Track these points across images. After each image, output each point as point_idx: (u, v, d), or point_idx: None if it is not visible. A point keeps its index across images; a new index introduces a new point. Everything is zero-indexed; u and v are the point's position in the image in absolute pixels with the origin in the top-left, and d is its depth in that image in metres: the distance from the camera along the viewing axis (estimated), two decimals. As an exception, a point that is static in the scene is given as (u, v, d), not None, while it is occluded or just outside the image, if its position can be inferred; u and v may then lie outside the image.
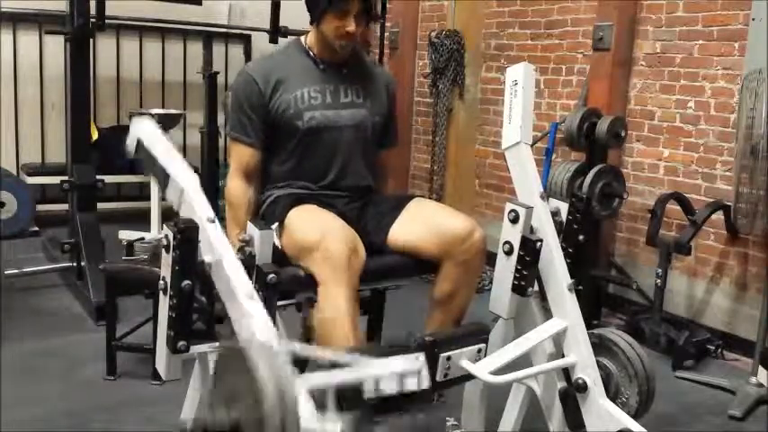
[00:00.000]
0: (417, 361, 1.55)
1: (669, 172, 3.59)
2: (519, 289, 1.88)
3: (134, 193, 5.18)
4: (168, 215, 1.71)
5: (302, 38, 2.23)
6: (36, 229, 4.51)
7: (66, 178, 3.61)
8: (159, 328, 1.60)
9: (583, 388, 1.83)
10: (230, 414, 1.21)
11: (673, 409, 2.70)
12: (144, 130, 1.74)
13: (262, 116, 2.12)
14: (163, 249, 1.55)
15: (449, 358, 1.67)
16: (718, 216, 3.24)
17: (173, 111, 4.75)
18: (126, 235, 4.12)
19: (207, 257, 1.55)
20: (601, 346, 1.92)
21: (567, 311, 1.86)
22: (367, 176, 2.23)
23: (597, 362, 1.86)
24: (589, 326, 1.90)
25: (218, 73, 4.34)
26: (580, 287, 1.89)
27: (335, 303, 1.79)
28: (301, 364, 1.80)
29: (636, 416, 1.84)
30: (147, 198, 4.29)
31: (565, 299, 1.86)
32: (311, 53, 2.17)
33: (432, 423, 1.75)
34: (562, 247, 1.90)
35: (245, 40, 5.39)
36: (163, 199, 4.03)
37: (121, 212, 4.90)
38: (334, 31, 2.07)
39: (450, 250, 2.00)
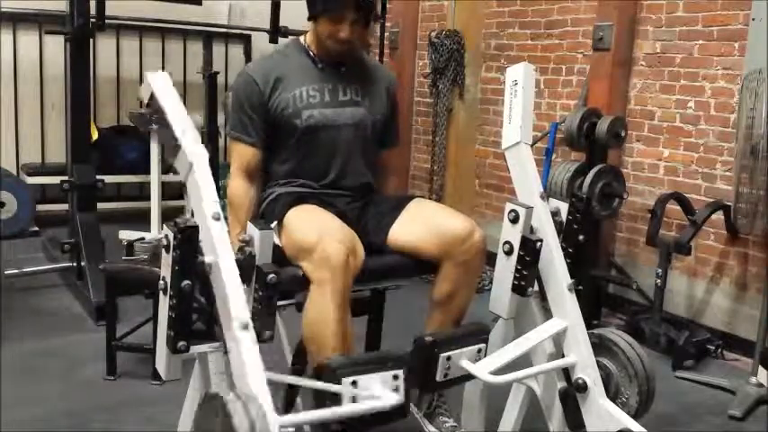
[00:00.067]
0: (395, 381, 1.55)
1: (669, 172, 3.59)
2: (519, 289, 1.88)
3: (134, 193, 5.18)
4: (168, 215, 1.71)
5: (302, 37, 2.23)
6: (36, 229, 4.53)
7: (66, 178, 3.62)
8: (159, 328, 1.60)
9: (583, 388, 1.83)
10: None
11: (673, 409, 2.70)
12: (160, 86, 1.65)
13: (262, 115, 2.12)
14: (163, 249, 1.54)
15: (449, 358, 1.67)
16: (718, 216, 3.24)
17: (173, 111, 4.73)
18: (126, 235, 4.12)
19: (207, 258, 1.55)
20: (601, 346, 1.92)
21: (567, 311, 1.86)
22: (367, 175, 2.23)
23: (597, 362, 1.86)
24: (589, 326, 1.90)
25: (218, 73, 4.35)
26: (580, 287, 1.89)
27: (326, 306, 1.79)
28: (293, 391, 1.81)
29: (636, 416, 1.84)
30: (147, 198, 4.29)
31: (565, 299, 1.86)
32: (310, 52, 2.18)
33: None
34: (562, 247, 1.90)
35: (245, 40, 5.39)
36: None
37: (121, 212, 4.90)
38: (328, 34, 2.09)
39: (450, 251, 2.00)
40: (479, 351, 1.73)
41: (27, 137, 4.97)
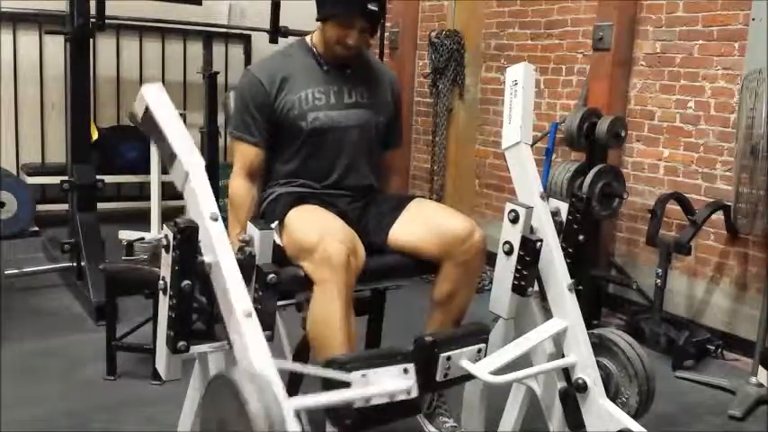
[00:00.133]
0: (407, 373, 1.54)
1: (669, 172, 3.59)
2: (519, 289, 1.88)
3: (134, 193, 5.18)
4: (168, 215, 1.71)
5: (308, 37, 2.23)
6: (36, 229, 4.52)
7: (66, 178, 3.62)
8: (159, 328, 1.60)
9: (583, 388, 1.83)
10: None
11: (673, 409, 2.70)
12: (154, 99, 1.68)
13: (266, 116, 2.12)
14: (163, 249, 1.54)
15: (449, 358, 1.67)
16: (718, 216, 3.24)
17: (173, 111, 4.73)
18: (126, 235, 4.12)
19: (207, 258, 1.55)
20: (601, 346, 1.92)
21: (567, 311, 1.86)
22: (370, 177, 2.23)
23: (597, 362, 1.86)
24: (589, 326, 1.90)
25: (218, 73, 4.35)
26: (580, 287, 1.89)
27: (330, 305, 1.79)
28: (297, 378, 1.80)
29: (636, 416, 1.84)
30: (147, 198, 4.29)
31: (565, 299, 1.86)
32: (316, 53, 2.17)
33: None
34: (562, 247, 1.90)
35: (245, 40, 5.39)
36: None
37: (121, 212, 4.90)
38: (336, 39, 2.09)
39: (450, 250, 2.00)
40: (479, 351, 1.73)
41: (27, 137, 4.97)
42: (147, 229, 4.10)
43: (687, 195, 3.34)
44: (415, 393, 1.51)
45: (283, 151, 2.17)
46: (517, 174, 1.93)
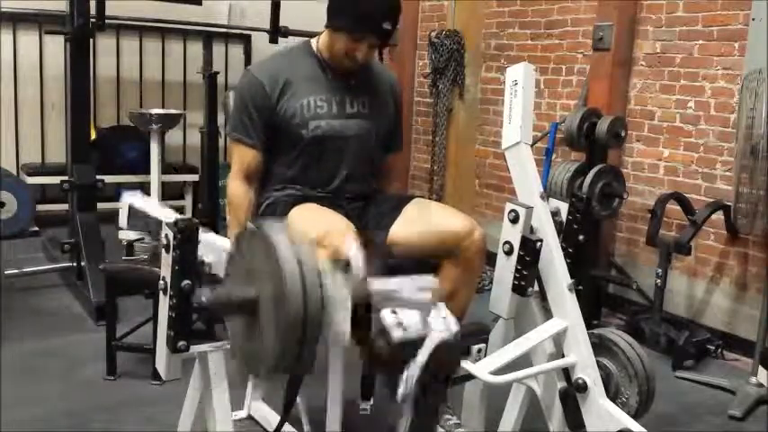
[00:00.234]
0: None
1: (669, 172, 3.59)
2: (519, 289, 1.88)
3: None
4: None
5: (312, 40, 2.20)
6: (36, 229, 4.52)
7: (66, 178, 3.62)
8: (159, 328, 1.60)
9: (583, 388, 1.83)
10: (247, 291, 1.25)
11: (673, 409, 2.70)
12: (133, 199, 1.77)
13: (266, 118, 2.11)
14: (163, 249, 1.54)
15: (449, 358, 1.66)
16: (718, 216, 3.24)
17: (173, 111, 4.74)
18: (126, 235, 4.12)
19: (207, 257, 1.55)
20: (601, 346, 1.92)
21: (567, 311, 1.86)
22: (369, 183, 2.23)
23: (597, 362, 1.86)
24: (589, 326, 1.90)
25: (218, 73, 4.34)
26: (580, 287, 1.89)
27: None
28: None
29: (636, 416, 1.84)
30: (148, 195, 4.29)
31: (565, 299, 1.86)
32: (321, 59, 2.15)
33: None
34: (562, 247, 1.90)
35: (245, 40, 5.39)
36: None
37: (121, 212, 4.90)
38: (344, 51, 2.07)
39: (450, 250, 2.00)
40: (479, 351, 1.73)
41: (27, 137, 4.97)
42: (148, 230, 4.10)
43: (687, 195, 3.34)
44: (454, 324, 1.47)
45: (282, 156, 2.16)
46: (517, 174, 1.93)
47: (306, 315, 1.24)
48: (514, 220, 1.85)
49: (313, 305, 1.25)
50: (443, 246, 2.00)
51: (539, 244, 1.84)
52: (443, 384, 1.48)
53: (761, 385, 2.80)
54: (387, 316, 1.45)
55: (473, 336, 1.75)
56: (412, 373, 1.40)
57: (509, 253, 1.87)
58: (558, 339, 1.88)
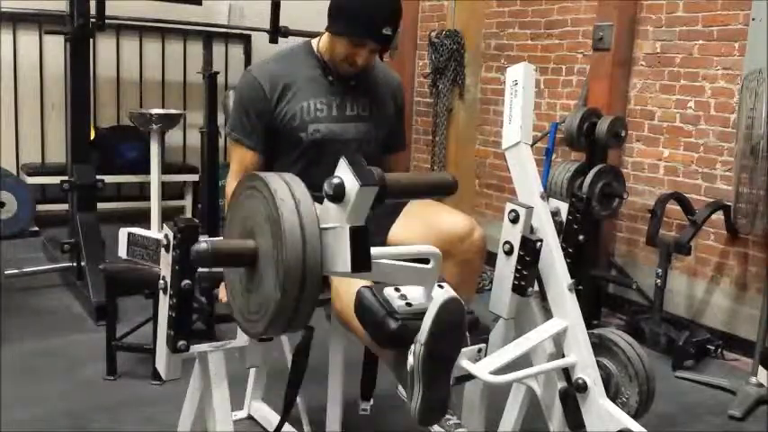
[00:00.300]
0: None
1: (669, 172, 3.59)
2: (519, 289, 1.88)
3: (134, 193, 5.18)
4: (168, 215, 1.72)
5: (313, 41, 2.19)
6: (36, 229, 4.53)
7: (66, 178, 3.62)
8: (159, 327, 1.60)
9: (583, 388, 1.83)
10: (247, 242, 1.25)
11: (673, 409, 2.70)
12: (130, 231, 1.83)
13: (265, 121, 2.10)
14: (163, 249, 1.54)
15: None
16: (718, 216, 3.24)
17: (173, 111, 4.74)
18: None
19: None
20: (601, 346, 1.92)
21: (567, 311, 1.86)
22: None
23: (597, 362, 1.86)
24: (589, 326, 1.90)
25: (218, 73, 4.34)
26: (580, 287, 1.89)
27: (354, 285, 1.77)
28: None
29: (636, 416, 1.84)
30: (147, 198, 4.29)
31: (565, 299, 1.86)
32: (322, 61, 2.14)
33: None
34: (562, 247, 1.90)
35: (245, 40, 5.39)
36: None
37: (121, 212, 4.90)
38: (345, 56, 2.06)
39: (450, 250, 1.99)
40: (479, 351, 1.73)
41: (27, 137, 4.97)
42: (148, 229, 4.09)
43: (687, 195, 3.34)
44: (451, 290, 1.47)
45: (282, 158, 2.15)
46: (517, 174, 1.93)
47: (305, 268, 1.23)
48: (514, 220, 1.85)
49: (312, 258, 1.23)
50: (443, 245, 1.98)
51: (539, 244, 1.84)
52: (452, 349, 1.47)
53: (761, 385, 2.80)
54: (390, 292, 1.45)
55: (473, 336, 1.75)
56: (419, 340, 1.39)
57: (509, 253, 1.87)
58: (558, 339, 1.88)
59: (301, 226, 1.22)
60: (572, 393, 1.86)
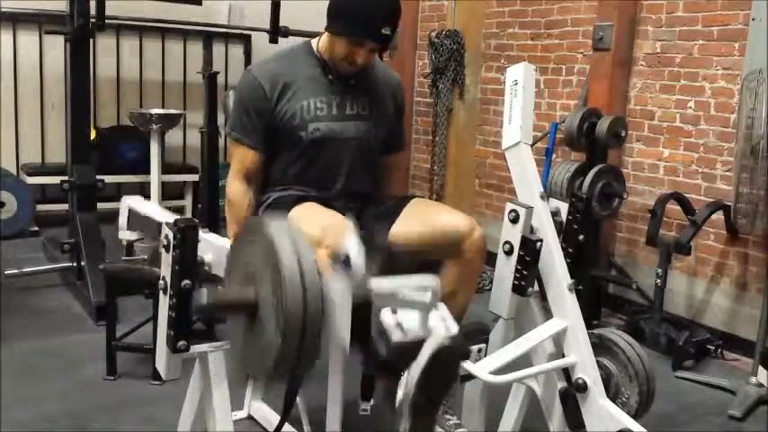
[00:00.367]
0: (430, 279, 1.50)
1: (669, 172, 3.59)
2: (519, 289, 1.88)
3: (134, 193, 5.16)
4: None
5: (313, 41, 2.19)
6: (36, 229, 4.53)
7: (66, 178, 3.62)
8: (159, 327, 1.60)
9: (583, 388, 1.83)
10: (247, 293, 1.25)
11: (673, 409, 2.70)
12: (132, 201, 1.90)
13: (265, 121, 2.10)
14: (163, 249, 1.55)
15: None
16: (719, 216, 3.24)
17: (173, 111, 4.74)
18: (126, 235, 4.11)
19: (207, 257, 1.55)
20: (601, 346, 1.92)
21: (567, 311, 1.86)
22: (369, 186, 2.23)
23: (597, 362, 1.86)
24: (589, 326, 1.91)
25: (218, 73, 4.34)
26: (580, 287, 1.89)
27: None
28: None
29: (636, 416, 1.84)
30: (147, 198, 4.29)
31: (565, 299, 1.86)
32: (321, 59, 2.14)
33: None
34: (562, 247, 1.90)
35: (245, 40, 5.39)
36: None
37: (121, 212, 4.89)
38: (344, 55, 2.06)
39: (450, 249, 2.00)
40: (479, 351, 1.73)
41: (27, 137, 4.97)
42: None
43: (687, 195, 3.34)
44: (454, 326, 1.44)
45: (282, 157, 2.16)
46: (517, 174, 1.93)
47: (305, 316, 1.24)
48: (514, 220, 1.85)
49: (313, 306, 1.24)
50: (443, 246, 2.00)
51: (539, 244, 1.84)
52: (443, 389, 1.47)
53: (761, 385, 2.80)
54: (386, 317, 1.44)
55: (473, 336, 1.75)
56: (412, 375, 1.39)
57: (509, 253, 1.87)
58: (558, 339, 1.88)
59: (301, 273, 1.22)
60: (572, 393, 1.86)
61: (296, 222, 1.95)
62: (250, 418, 2.44)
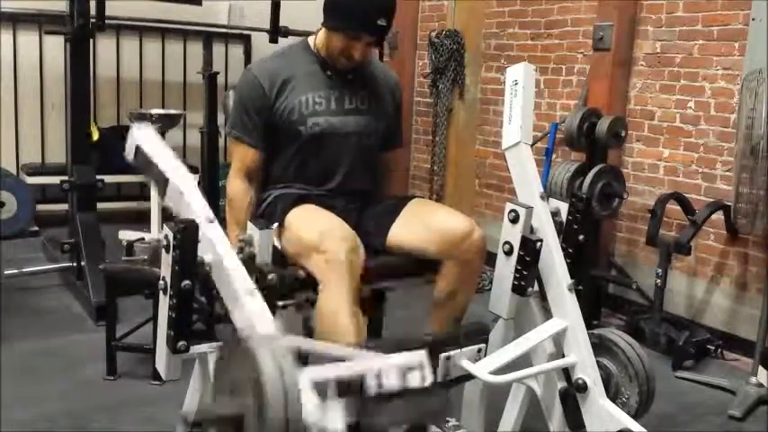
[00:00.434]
0: (419, 356, 1.52)
1: (669, 172, 3.59)
2: (519, 289, 1.88)
3: (134, 193, 5.18)
4: (168, 215, 1.71)
5: (310, 38, 2.21)
6: (36, 229, 4.53)
7: (66, 178, 3.61)
8: (159, 328, 1.60)
9: (583, 388, 1.83)
10: (233, 407, 1.21)
11: (673, 409, 2.70)
12: (143, 136, 1.78)
13: (265, 118, 2.11)
14: (163, 249, 1.54)
15: (449, 358, 1.67)
16: (719, 216, 3.24)
17: (173, 111, 4.74)
18: (126, 235, 4.11)
19: (207, 257, 1.55)
20: (601, 346, 1.92)
21: (567, 311, 1.86)
22: (368, 181, 2.23)
23: (597, 362, 1.86)
24: (589, 326, 1.91)
25: (218, 73, 4.34)
26: (580, 287, 1.89)
27: (337, 302, 1.79)
28: (303, 360, 1.79)
29: (636, 416, 1.84)
30: (147, 198, 4.29)
31: (565, 299, 1.86)
32: (319, 55, 2.15)
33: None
34: (562, 247, 1.90)
35: (245, 40, 5.39)
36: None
37: (121, 212, 4.90)
38: (340, 50, 2.07)
39: (449, 250, 2.00)
40: (479, 351, 1.73)
41: (27, 137, 4.97)
42: (147, 229, 4.10)
43: (687, 195, 3.34)
44: (429, 377, 1.47)
45: (282, 154, 2.16)
46: (517, 174, 1.94)
47: (287, 425, 1.22)
48: (514, 220, 1.85)
49: (293, 415, 1.22)
50: (443, 246, 2.00)
51: (539, 244, 1.84)
52: None
53: (761, 385, 2.80)
54: None
55: (473, 336, 1.75)
56: None
57: (509, 253, 1.87)
58: (558, 339, 1.88)
59: (284, 390, 1.21)
60: (572, 393, 1.86)
61: (293, 226, 1.97)
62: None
